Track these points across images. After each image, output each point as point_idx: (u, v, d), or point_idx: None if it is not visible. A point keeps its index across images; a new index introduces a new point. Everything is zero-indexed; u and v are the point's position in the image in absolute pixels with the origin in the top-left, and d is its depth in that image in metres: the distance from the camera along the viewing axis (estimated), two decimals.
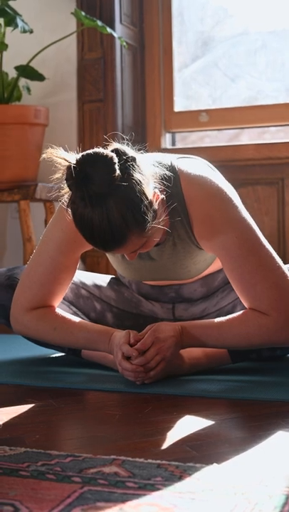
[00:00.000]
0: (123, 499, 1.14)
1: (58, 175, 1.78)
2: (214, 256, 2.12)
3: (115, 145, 1.80)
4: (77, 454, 1.36)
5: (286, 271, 1.94)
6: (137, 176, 1.76)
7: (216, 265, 2.21)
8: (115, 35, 3.36)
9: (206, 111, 3.66)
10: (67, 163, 1.75)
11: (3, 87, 3.39)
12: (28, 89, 3.50)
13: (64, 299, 2.24)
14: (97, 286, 2.34)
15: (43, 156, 1.77)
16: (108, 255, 2.20)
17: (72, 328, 2.06)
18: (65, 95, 3.64)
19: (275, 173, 3.41)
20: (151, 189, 1.81)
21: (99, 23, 3.26)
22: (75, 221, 1.77)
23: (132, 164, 1.76)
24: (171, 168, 1.98)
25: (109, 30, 3.29)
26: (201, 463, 1.31)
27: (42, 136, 3.42)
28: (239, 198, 2.05)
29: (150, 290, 2.27)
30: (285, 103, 3.55)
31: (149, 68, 3.72)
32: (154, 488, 1.18)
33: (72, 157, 1.76)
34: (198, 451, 1.39)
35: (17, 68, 3.40)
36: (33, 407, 1.80)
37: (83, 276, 2.35)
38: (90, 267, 3.47)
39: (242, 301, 1.97)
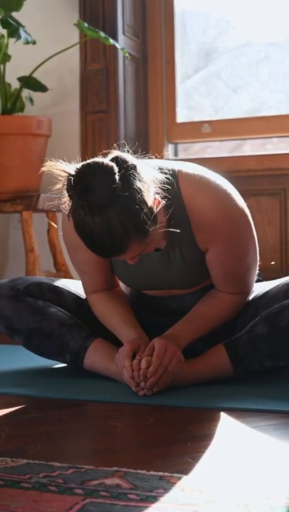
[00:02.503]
0: (125, 511, 1.13)
1: (58, 186, 1.79)
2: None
3: (116, 153, 1.81)
4: (79, 466, 1.36)
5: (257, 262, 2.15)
6: (137, 184, 1.77)
7: None
8: (118, 46, 3.37)
9: (209, 122, 3.67)
10: (67, 175, 1.76)
11: (6, 97, 3.40)
12: (31, 100, 3.51)
13: (67, 309, 2.24)
14: None
15: (43, 169, 1.79)
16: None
17: (111, 321, 2.17)
18: (68, 106, 3.65)
19: (277, 184, 3.41)
20: (152, 195, 1.83)
21: (102, 34, 3.28)
22: (77, 229, 1.80)
23: (132, 173, 1.78)
24: (172, 172, 2.00)
25: (112, 41, 3.30)
26: (203, 475, 1.31)
27: (45, 147, 3.43)
28: (238, 192, 2.09)
29: (152, 302, 2.26)
30: (288, 114, 3.56)
31: (152, 79, 3.73)
32: (156, 500, 1.18)
33: (72, 168, 1.78)
34: (201, 463, 1.39)
35: (20, 79, 3.42)
36: (34, 418, 1.79)
37: None
38: None
39: (217, 285, 2.12)
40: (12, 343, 2.65)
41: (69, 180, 1.76)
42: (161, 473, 1.31)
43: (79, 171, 1.76)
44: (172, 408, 1.85)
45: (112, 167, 1.75)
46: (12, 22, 3.23)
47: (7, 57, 3.35)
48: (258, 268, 2.16)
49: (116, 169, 1.75)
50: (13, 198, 3.31)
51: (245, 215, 2.07)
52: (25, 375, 2.31)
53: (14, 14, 3.33)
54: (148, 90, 3.73)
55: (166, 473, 1.31)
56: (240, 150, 3.72)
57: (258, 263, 2.15)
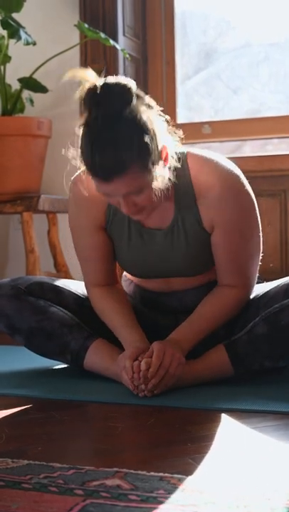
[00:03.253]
0: None
1: (76, 94, 1.88)
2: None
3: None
4: (80, 467, 1.36)
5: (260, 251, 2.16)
6: (149, 114, 1.88)
7: None
8: (118, 47, 3.37)
9: (209, 123, 3.67)
10: (89, 85, 1.85)
11: (6, 99, 3.40)
12: (31, 101, 3.51)
13: (68, 309, 2.24)
14: None
15: (67, 74, 1.90)
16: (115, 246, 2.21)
17: (111, 320, 2.16)
18: (68, 107, 3.65)
19: (277, 185, 3.41)
20: (161, 138, 1.91)
21: (102, 35, 3.28)
22: (83, 141, 1.88)
23: (148, 105, 1.90)
24: (180, 152, 2.06)
25: (112, 42, 3.30)
26: (204, 475, 1.31)
27: (45, 148, 3.43)
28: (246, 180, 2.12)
29: (152, 299, 2.26)
30: (288, 115, 3.56)
31: (152, 80, 3.73)
32: (156, 501, 1.18)
33: (94, 78, 1.87)
34: (201, 464, 1.39)
35: (20, 80, 3.42)
36: (35, 418, 1.79)
37: None
38: None
39: (220, 273, 2.13)
40: (13, 344, 2.65)
41: (89, 89, 1.84)
42: (161, 474, 1.31)
43: (100, 83, 1.84)
44: (172, 409, 1.85)
45: (131, 87, 1.86)
46: (12, 23, 3.23)
47: (7, 58, 3.36)
48: (259, 262, 2.17)
49: (134, 89, 1.86)
50: (13, 199, 3.31)
51: (252, 198, 2.11)
52: (25, 376, 2.31)
53: (14, 15, 3.33)
54: (148, 91, 3.73)
55: (166, 474, 1.31)
56: (241, 151, 3.72)
57: (261, 254, 2.16)
